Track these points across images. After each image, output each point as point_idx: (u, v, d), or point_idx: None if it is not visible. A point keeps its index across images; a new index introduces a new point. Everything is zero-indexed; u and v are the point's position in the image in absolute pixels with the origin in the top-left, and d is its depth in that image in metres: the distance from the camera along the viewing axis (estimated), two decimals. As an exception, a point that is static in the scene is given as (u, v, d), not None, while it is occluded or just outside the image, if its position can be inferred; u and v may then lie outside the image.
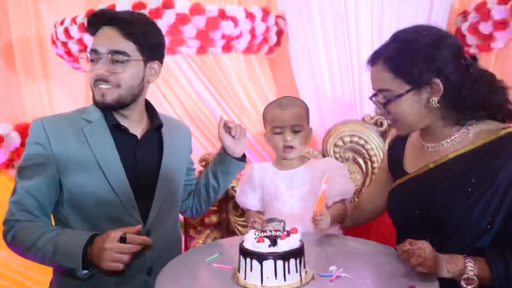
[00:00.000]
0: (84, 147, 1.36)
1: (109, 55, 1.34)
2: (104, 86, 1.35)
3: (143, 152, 1.45)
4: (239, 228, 2.21)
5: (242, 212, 2.15)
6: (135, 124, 1.46)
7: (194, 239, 2.17)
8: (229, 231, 2.23)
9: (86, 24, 1.41)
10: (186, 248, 2.28)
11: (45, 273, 2.26)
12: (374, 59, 1.33)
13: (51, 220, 1.43)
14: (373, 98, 1.36)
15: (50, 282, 1.48)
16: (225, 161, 1.60)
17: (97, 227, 1.30)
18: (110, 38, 1.35)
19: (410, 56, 1.25)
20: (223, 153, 1.60)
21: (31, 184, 1.34)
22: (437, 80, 1.25)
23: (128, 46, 1.36)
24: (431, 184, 1.32)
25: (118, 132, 1.42)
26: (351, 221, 1.73)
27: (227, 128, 1.55)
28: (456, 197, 1.26)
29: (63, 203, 1.38)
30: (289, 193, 1.71)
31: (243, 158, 1.64)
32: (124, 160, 1.40)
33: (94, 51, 1.35)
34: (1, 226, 1.38)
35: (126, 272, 1.33)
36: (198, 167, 2.26)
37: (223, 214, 2.22)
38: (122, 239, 1.22)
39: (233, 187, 2.11)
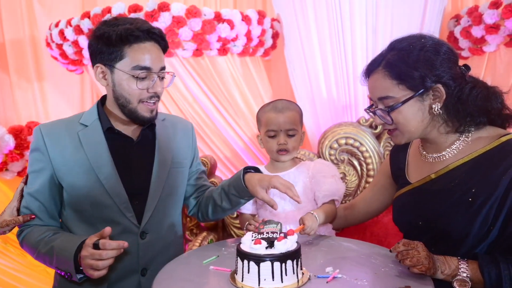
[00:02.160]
0: (79, 150, 1.39)
1: (160, 72, 1.41)
2: (156, 102, 1.43)
3: (138, 153, 1.46)
4: (235, 230, 2.22)
5: (238, 215, 2.16)
6: (131, 126, 1.47)
7: (190, 241, 2.17)
8: (225, 234, 2.24)
9: (125, 36, 1.36)
10: (183, 250, 2.28)
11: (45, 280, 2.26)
12: (372, 69, 1.33)
13: (59, 222, 1.46)
14: (371, 109, 1.35)
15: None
16: (244, 193, 1.48)
17: (96, 229, 1.31)
18: (160, 55, 1.41)
19: (412, 62, 1.25)
20: (244, 186, 1.46)
21: (35, 189, 1.40)
22: (439, 86, 1.25)
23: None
24: (433, 195, 1.33)
25: (113, 135, 1.44)
26: (344, 222, 1.74)
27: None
28: (457, 207, 1.26)
29: (64, 206, 1.43)
30: (281, 195, 1.71)
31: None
32: (119, 162, 1.41)
33: (148, 69, 1.37)
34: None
35: (119, 272, 1.36)
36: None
37: (219, 216, 2.22)
38: (95, 246, 1.20)
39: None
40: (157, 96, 1.42)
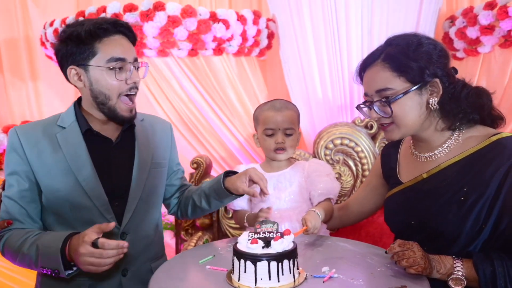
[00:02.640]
0: (57, 152, 1.37)
1: (135, 63, 1.41)
2: (135, 95, 1.44)
3: (118, 155, 1.45)
4: (230, 230, 2.21)
5: (233, 214, 2.16)
6: (111, 127, 1.46)
7: (186, 241, 2.16)
8: (220, 233, 2.23)
9: (92, 30, 1.36)
10: (178, 251, 2.27)
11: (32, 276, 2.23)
12: (369, 63, 1.33)
13: (41, 225, 1.42)
14: (366, 103, 1.35)
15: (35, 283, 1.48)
16: (224, 195, 1.52)
17: (77, 231, 1.30)
18: (130, 46, 1.42)
19: (412, 54, 1.27)
20: (224, 189, 1.50)
21: (14, 192, 1.37)
22: (437, 80, 1.27)
23: None
24: (425, 194, 1.33)
25: (92, 136, 1.42)
26: (338, 222, 1.74)
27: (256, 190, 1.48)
28: (450, 206, 1.27)
29: (44, 209, 1.41)
30: (276, 194, 1.72)
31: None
32: (98, 164, 1.40)
33: (122, 59, 1.37)
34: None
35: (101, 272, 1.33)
36: (189, 169, 2.26)
37: (214, 216, 2.22)
38: (94, 244, 1.18)
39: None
40: (136, 88, 1.42)
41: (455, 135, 1.33)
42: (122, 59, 1.37)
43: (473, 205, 1.23)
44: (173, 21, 2.25)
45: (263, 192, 1.47)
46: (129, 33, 1.42)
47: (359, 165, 2.18)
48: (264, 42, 2.54)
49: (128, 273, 1.42)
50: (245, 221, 1.65)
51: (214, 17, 2.32)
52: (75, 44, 1.35)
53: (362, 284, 1.12)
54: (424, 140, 1.37)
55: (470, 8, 2.24)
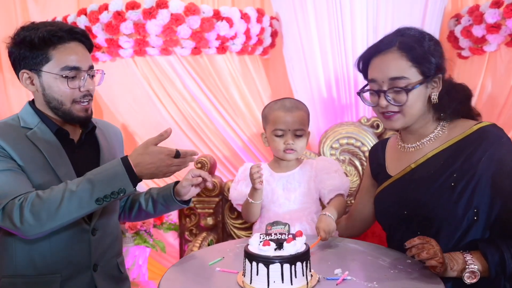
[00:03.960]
0: (34, 150, 1.36)
1: (90, 71, 1.43)
2: (89, 101, 1.44)
3: (81, 155, 1.46)
4: (235, 230, 2.19)
5: (238, 215, 2.13)
6: (72, 128, 1.47)
7: (190, 242, 2.14)
8: (225, 234, 2.21)
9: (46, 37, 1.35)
10: (182, 251, 2.25)
11: None
12: (384, 48, 1.34)
13: None
14: (381, 89, 1.33)
15: None
16: (171, 201, 1.55)
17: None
18: (86, 54, 1.43)
19: (427, 48, 1.31)
20: (171, 195, 1.53)
21: (8, 164, 1.30)
22: (441, 76, 1.33)
23: None
24: (415, 184, 1.36)
25: (59, 136, 1.43)
26: (345, 231, 1.71)
27: (198, 179, 1.49)
28: (440, 193, 1.30)
29: None
30: (285, 195, 1.70)
31: (188, 201, 1.58)
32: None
33: (77, 68, 1.38)
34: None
35: (72, 269, 1.38)
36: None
37: (219, 216, 2.20)
38: (177, 155, 1.31)
39: (228, 189, 2.10)
40: (90, 95, 1.43)
41: (440, 125, 1.39)
42: (76, 68, 1.37)
43: (463, 190, 1.27)
44: (176, 19, 2.22)
45: (205, 180, 1.50)
46: (85, 40, 1.43)
47: (365, 164, 2.16)
48: (267, 40, 2.52)
49: (98, 268, 1.45)
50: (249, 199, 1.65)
51: (217, 15, 2.29)
52: (28, 49, 1.35)
53: (376, 287, 1.10)
54: (414, 131, 1.41)
55: (476, 6, 2.23)
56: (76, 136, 1.48)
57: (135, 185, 1.29)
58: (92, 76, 1.44)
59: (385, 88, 1.32)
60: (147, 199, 1.62)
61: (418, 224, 1.34)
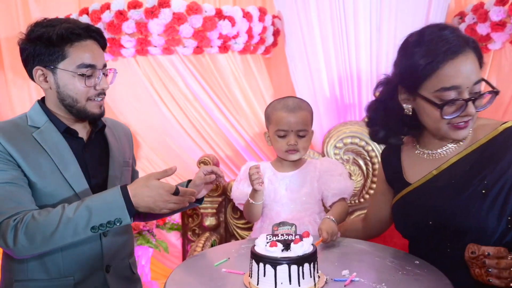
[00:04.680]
0: (40, 151, 1.34)
1: (104, 69, 1.42)
2: (103, 99, 1.44)
3: (91, 154, 1.45)
4: (238, 230, 2.18)
5: (241, 215, 2.13)
6: (81, 127, 1.46)
7: (193, 242, 2.12)
8: (228, 234, 2.20)
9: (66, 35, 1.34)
10: (185, 251, 2.24)
11: None
12: (463, 49, 1.17)
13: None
14: (475, 94, 1.19)
15: None
16: None
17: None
18: (101, 52, 1.43)
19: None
20: None
21: (8, 175, 1.27)
22: None
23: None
24: (438, 192, 1.27)
25: (67, 135, 1.41)
26: (362, 234, 1.63)
27: (212, 177, 1.48)
28: (470, 202, 1.21)
29: None
30: (288, 195, 1.69)
31: (201, 199, 1.56)
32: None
33: (92, 66, 1.37)
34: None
35: (85, 270, 1.37)
36: (196, 169, 2.22)
37: (221, 216, 2.18)
38: (176, 192, 1.29)
39: (230, 188, 2.08)
40: (103, 93, 1.43)
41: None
42: (92, 66, 1.37)
43: (496, 198, 1.18)
44: (178, 18, 2.20)
45: (219, 176, 1.49)
46: (100, 38, 1.42)
47: (370, 164, 2.15)
48: (269, 39, 2.50)
49: (111, 269, 1.44)
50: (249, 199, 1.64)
51: (219, 14, 2.27)
52: (44, 45, 1.33)
53: (385, 288, 1.09)
54: (431, 136, 1.33)
55: (480, 4, 2.21)
56: (85, 136, 1.46)
57: (132, 216, 1.27)
58: (106, 75, 1.43)
59: (467, 95, 1.18)
60: None
61: (447, 236, 1.25)
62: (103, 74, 1.40)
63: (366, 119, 1.48)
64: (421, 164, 1.36)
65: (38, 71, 1.37)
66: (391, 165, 1.46)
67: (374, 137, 1.46)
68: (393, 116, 1.36)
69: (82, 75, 1.35)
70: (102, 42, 1.43)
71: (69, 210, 1.24)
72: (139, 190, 1.27)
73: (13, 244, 1.22)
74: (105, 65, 1.43)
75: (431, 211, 1.28)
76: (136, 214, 1.37)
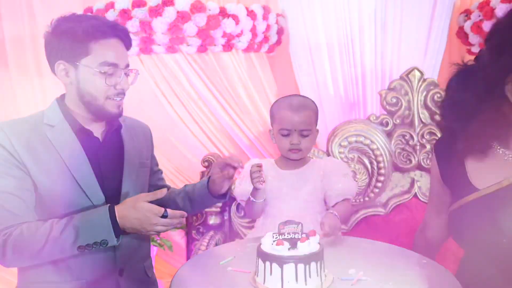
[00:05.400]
0: (51, 152, 1.32)
1: (126, 69, 1.40)
2: (122, 99, 1.41)
3: (106, 154, 1.43)
4: (242, 229, 2.18)
5: (245, 213, 2.12)
6: (97, 126, 1.44)
7: (197, 241, 2.12)
8: (232, 233, 2.20)
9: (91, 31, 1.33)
10: (189, 250, 2.24)
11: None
12: None
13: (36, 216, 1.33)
14: None
15: None
16: (209, 199, 1.54)
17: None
18: (124, 52, 1.40)
19: None
20: (208, 194, 1.53)
21: (8, 183, 1.27)
22: None
23: None
24: None
25: (82, 135, 1.39)
26: (425, 243, 1.45)
27: (230, 172, 1.46)
28: None
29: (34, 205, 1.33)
30: (291, 193, 1.69)
31: (225, 194, 1.56)
32: (90, 163, 1.37)
33: (115, 65, 1.35)
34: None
35: (98, 273, 1.35)
36: (200, 168, 2.22)
37: (226, 215, 2.18)
38: (164, 215, 1.25)
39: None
40: (123, 93, 1.40)
41: None
42: (114, 65, 1.34)
43: None
44: (182, 17, 2.20)
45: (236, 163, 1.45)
46: (125, 38, 1.40)
47: (375, 163, 2.14)
48: (273, 38, 2.50)
49: (124, 273, 1.41)
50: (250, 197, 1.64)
51: (223, 12, 2.27)
52: (69, 40, 1.32)
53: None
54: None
55: (486, 1, 2.20)
56: (100, 135, 1.44)
57: (118, 237, 1.25)
58: (127, 75, 1.41)
59: None
60: (182, 198, 1.59)
61: None
62: (125, 74, 1.38)
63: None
64: (494, 167, 1.15)
65: (60, 65, 1.34)
66: (449, 162, 1.24)
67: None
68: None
69: (103, 73, 1.33)
70: (127, 42, 1.41)
71: (56, 230, 1.23)
72: (127, 212, 1.25)
73: (2, 258, 1.24)
74: (127, 65, 1.40)
75: (505, 228, 1.08)
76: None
